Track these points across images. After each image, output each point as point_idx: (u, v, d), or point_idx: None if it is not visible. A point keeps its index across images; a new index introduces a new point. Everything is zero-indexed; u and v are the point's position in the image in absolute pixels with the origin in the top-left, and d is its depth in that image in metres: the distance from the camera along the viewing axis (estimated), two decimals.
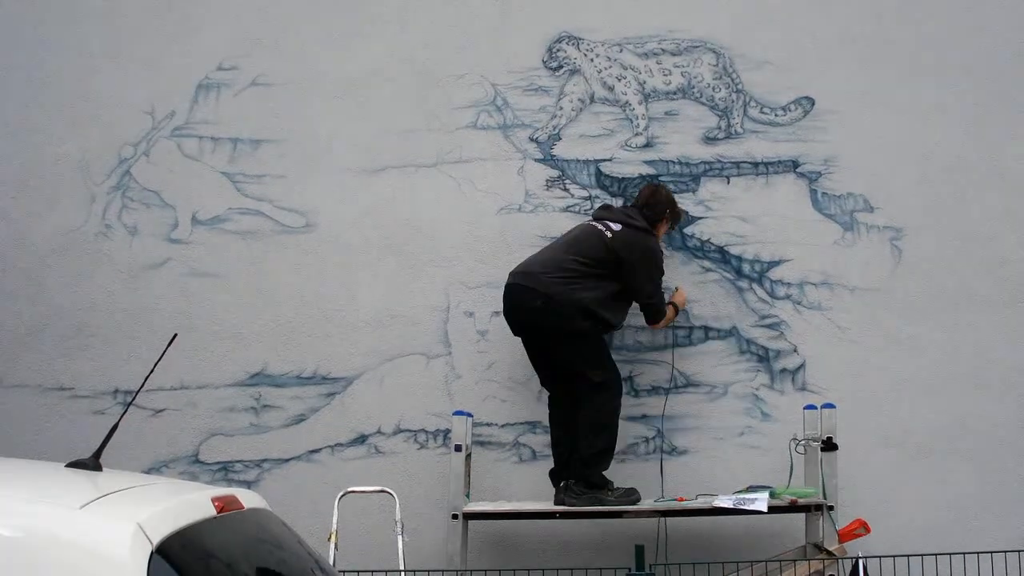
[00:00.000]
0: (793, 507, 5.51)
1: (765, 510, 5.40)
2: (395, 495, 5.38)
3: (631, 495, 5.62)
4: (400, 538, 5.27)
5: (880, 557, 5.35)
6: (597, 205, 6.13)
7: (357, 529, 5.78)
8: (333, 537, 5.22)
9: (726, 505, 5.45)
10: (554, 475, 5.77)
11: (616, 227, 5.69)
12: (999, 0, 6.38)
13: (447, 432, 5.96)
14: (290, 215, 6.30)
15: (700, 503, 5.57)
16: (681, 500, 5.64)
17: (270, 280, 6.25)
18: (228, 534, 3.00)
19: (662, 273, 5.82)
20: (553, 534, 5.94)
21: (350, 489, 5.47)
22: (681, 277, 6.14)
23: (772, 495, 5.49)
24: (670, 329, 6.06)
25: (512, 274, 5.74)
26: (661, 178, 6.23)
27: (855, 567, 5.16)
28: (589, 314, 5.56)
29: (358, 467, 6.04)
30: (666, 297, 5.91)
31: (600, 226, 5.74)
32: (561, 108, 6.33)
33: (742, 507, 5.40)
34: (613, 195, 6.23)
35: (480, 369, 6.07)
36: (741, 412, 6.06)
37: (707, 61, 6.34)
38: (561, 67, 6.36)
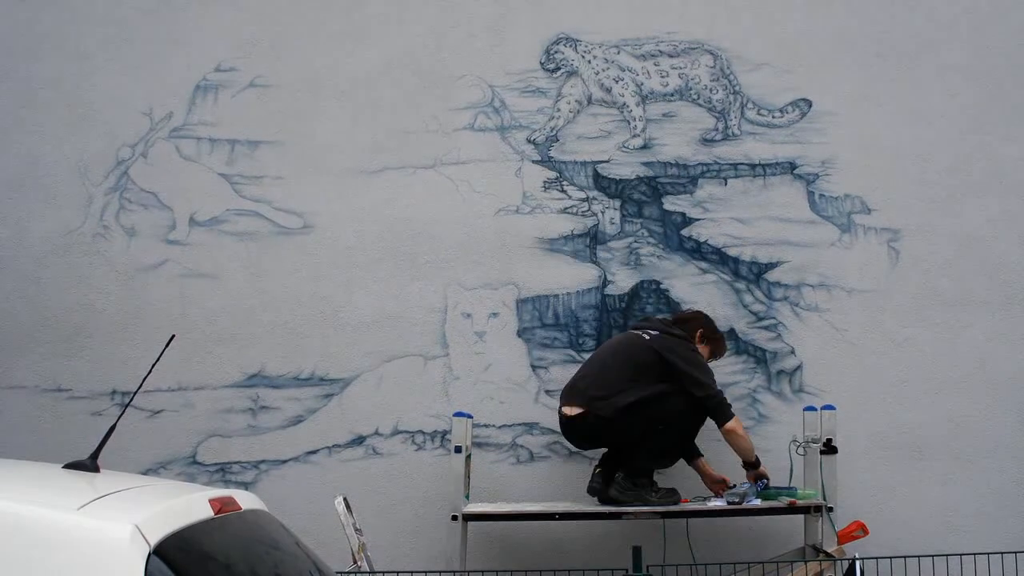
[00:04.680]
0: (792, 509, 5.51)
1: (759, 503, 5.44)
2: (348, 501, 4.99)
3: (672, 495, 5.55)
4: (358, 541, 4.83)
5: (877, 559, 5.35)
6: (593, 202, 6.17)
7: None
8: (361, 549, 4.79)
9: (722, 506, 5.48)
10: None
11: (654, 332, 5.63)
12: (998, 0, 6.39)
13: (445, 433, 5.96)
14: (288, 216, 6.29)
15: (698, 505, 5.57)
16: (683, 501, 5.63)
17: (268, 281, 6.24)
18: (225, 535, 3.00)
19: (710, 372, 5.63)
20: (552, 535, 5.93)
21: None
22: (679, 279, 6.15)
23: (768, 496, 5.50)
24: None
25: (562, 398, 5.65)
26: (659, 179, 6.24)
27: (851, 568, 5.16)
28: (632, 412, 5.44)
29: (356, 468, 6.04)
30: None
31: (638, 332, 5.68)
32: (559, 110, 6.33)
33: (737, 505, 5.43)
34: (611, 196, 6.23)
35: (478, 370, 6.07)
36: (739, 413, 6.04)
37: (704, 63, 6.34)
38: (559, 69, 6.36)
